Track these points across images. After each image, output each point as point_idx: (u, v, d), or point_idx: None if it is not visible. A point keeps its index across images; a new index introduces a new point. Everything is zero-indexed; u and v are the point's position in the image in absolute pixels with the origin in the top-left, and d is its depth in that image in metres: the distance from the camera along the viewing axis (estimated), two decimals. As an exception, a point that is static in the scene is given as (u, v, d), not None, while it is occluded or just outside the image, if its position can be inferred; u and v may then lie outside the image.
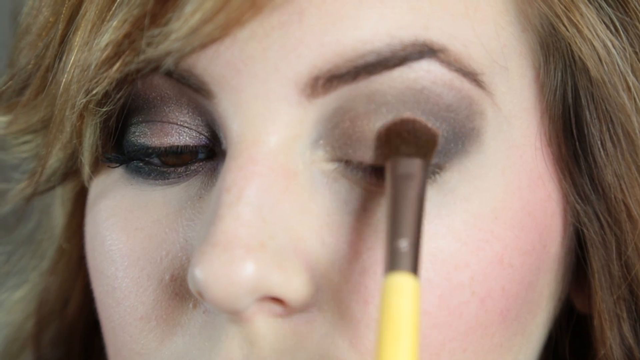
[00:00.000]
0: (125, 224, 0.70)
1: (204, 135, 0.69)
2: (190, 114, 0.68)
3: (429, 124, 0.66)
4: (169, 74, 0.67)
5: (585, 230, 0.72)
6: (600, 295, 0.72)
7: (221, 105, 0.66)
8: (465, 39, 0.66)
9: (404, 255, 0.62)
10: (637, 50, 0.69)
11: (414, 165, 0.64)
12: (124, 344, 0.70)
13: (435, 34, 0.65)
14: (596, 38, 0.68)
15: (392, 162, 0.65)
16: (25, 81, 0.78)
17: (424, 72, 0.65)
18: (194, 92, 0.67)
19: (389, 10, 0.65)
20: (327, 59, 0.64)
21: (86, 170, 0.74)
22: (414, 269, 0.62)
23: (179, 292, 0.68)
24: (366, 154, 0.66)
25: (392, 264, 0.62)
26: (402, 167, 0.64)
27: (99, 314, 0.73)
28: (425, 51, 0.65)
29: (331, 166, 0.67)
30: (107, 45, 0.66)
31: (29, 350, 0.93)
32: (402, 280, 0.61)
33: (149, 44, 0.64)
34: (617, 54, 0.69)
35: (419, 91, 0.65)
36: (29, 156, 0.83)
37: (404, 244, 0.62)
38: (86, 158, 0.73)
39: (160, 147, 0.69)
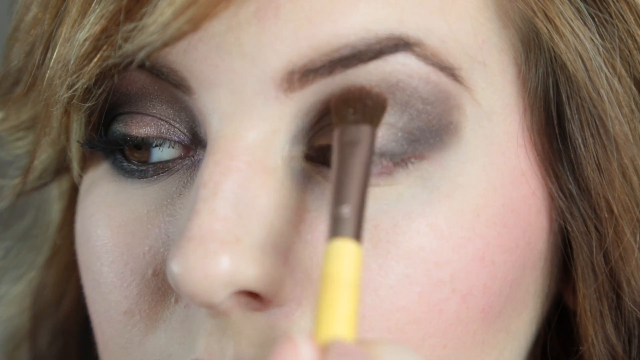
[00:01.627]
0: (108, 220, 0.71)
1: (184, 133, 0.69)
2: (172, 110, 0.69)
3: (377, 90, 0.65)
4: (148, 69, 0.67)
5: (569, 228, 0.72)
6: (583, 292, 0.72)
7: (200, 101, 0.67)
8: (441, 34, 0.66)
9: (346, 222, 0.62)
10: (615, 47, 0.69)
11: (359, 132, 0.64)
12: (110, 338, 0.71)
13: (410, 28, 0.66)
14: (573, 34, 0.68)
15: (338, 130, 0.65)
16: (16, 77, 0.79)
17: (400, 65, 0.65)
18: (175, 88, 0.67)
19: (364, 4, 0.65)
20: (302, 53, 0.65)
21: (75, 166, 0.74)
22: (356, 234, 0.61)
23: (162, 286, 0.68)
24: None
25: (334, 230, 0.62)
26: (348, 134, 0.64)
27: (88, 309, 0.74)
28: (400, 45, 0.65)
29: (311, 163, 0.67)
30: (85, 40, 0.67)
31: (26, 345, 0.94)
32: (343, 246, 0.61)
33: (125, 39, 0.65)
34: (595, 50, 0.68)
35: (395, 84, 0.66)
36: (22, 153, 0.84)
37: (346, 210, 0.62)
38: (74, 154, 0.74)
39: (138, 137, 0.70)
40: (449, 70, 0.67)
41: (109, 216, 0.71)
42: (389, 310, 0.66)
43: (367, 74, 0.65)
